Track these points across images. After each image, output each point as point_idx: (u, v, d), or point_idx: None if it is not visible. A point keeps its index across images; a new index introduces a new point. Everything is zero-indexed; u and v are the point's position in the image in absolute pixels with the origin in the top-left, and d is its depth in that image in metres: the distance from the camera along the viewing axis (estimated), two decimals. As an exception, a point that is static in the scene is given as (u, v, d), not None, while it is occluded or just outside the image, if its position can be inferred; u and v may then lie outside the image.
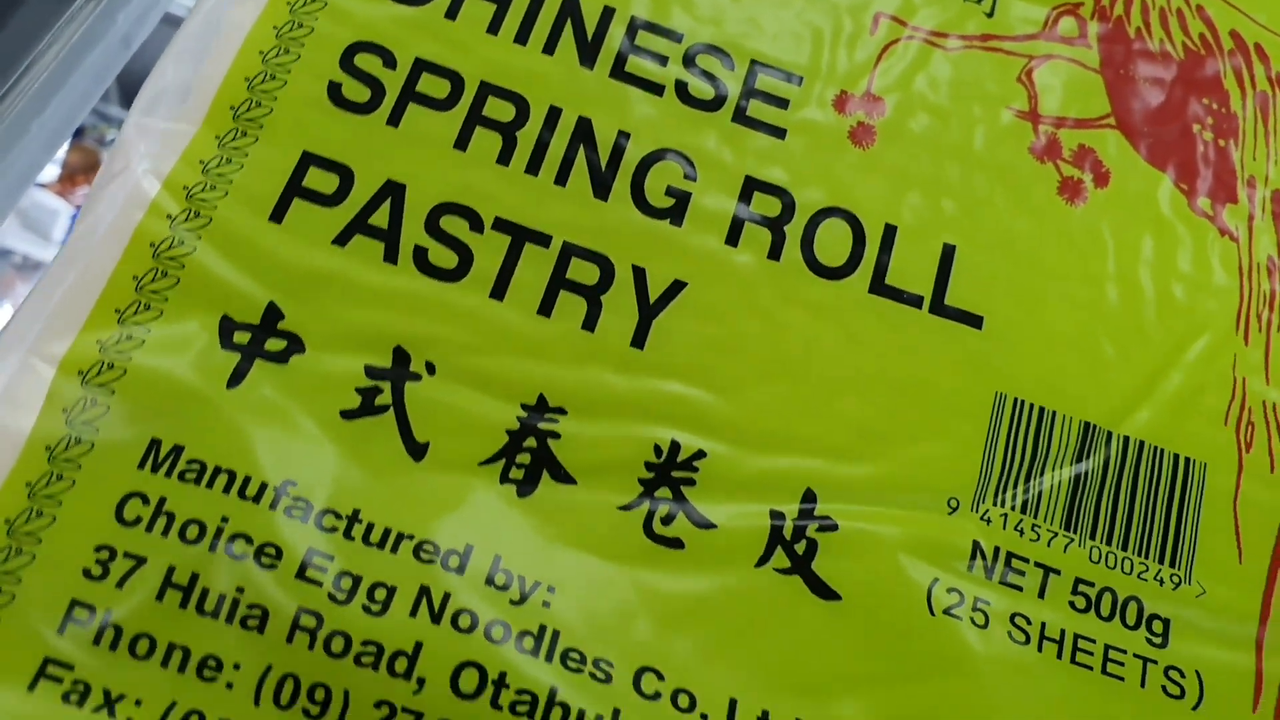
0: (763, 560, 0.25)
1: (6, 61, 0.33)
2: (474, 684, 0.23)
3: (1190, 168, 0.31)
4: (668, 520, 0.25)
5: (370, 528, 0.24)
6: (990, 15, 0.32)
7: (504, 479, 0.25)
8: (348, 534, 0.24)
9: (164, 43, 0.29)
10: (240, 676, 0.23)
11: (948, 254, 0.29)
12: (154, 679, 0.22)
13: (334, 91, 0.28)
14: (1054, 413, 0.28)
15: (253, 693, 0.22)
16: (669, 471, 0.26)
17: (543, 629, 0.24)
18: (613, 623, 0.24)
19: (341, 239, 0.27)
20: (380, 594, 0.23)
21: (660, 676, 0.24)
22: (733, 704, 0.24)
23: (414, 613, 0.23)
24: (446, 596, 0.24)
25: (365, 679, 0.23)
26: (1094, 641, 0.26)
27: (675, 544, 0.25)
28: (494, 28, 0.30)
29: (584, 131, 0.29)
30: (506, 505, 0.25)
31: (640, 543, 0.25)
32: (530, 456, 0.25)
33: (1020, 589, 0.26)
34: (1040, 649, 0.26)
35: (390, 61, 0.29)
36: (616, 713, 0.23)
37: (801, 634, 0.25)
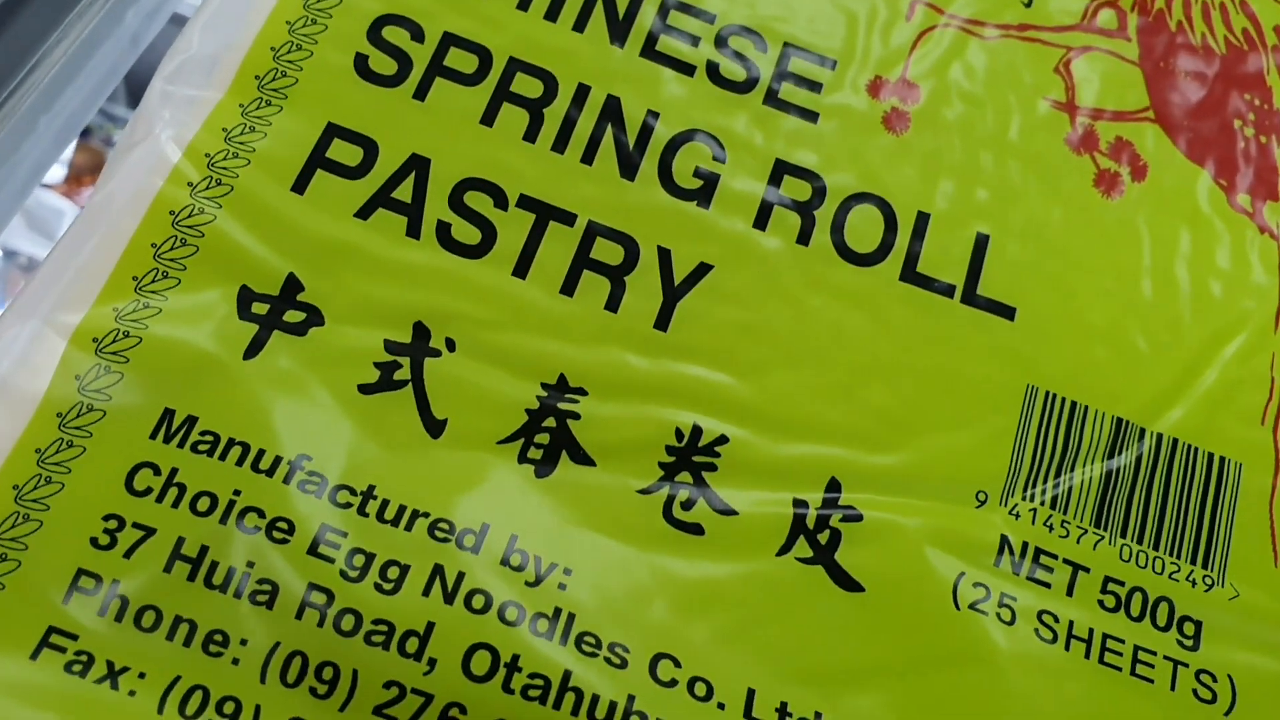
0: (784, 549, 0.25)
1: (15, 57, 0.33)
2: (486, 666, 0.22)
3: (1230, 163, 0.31)
4: (688, 505, 0.25)
5: (385, 504, 0.24)
6: (1028, 5, 0.32)
7: (522, 458, 0.25)
8: (362, 510, 0.23)
9: (172, 42, 0.29)
10: (247, 652, 0.22)
11: (980, 243, 0.28)
12: (159, 652, 0.22)
13: (360, 64, 0.28)
14: (1086, 407, 0.27)
15: (259, 669, 0.22)
16: (690, 456, 0.25)
17: (558, 611, 0.23)
18: (629, 607, 0.24)
19: (364, 212, 0.26)
20: (393, 572, 0.23)
21: (677, 664, 0.23)
22: (750, 694, 0.23)
23: (427, 592, 0.23)
24: (461, 576, 0.23)
25: (375, 658, 0.22)
26: (1123, 642, 0.25)
27: (695, 530, 0.25)
28: (524, 4, 0.29)
29: (612, 110, 0.28)
30: (524, 485, 0.24)
31: (659, 527, 0.24)
32: (549, 436, 0.25)
33: (1048, 586, 0.26)
34: (1068, 648, 0.25)
35: (418, 35, 0.28)
36: (631, 699, 0.23)
37: (823, 624, 0.24)
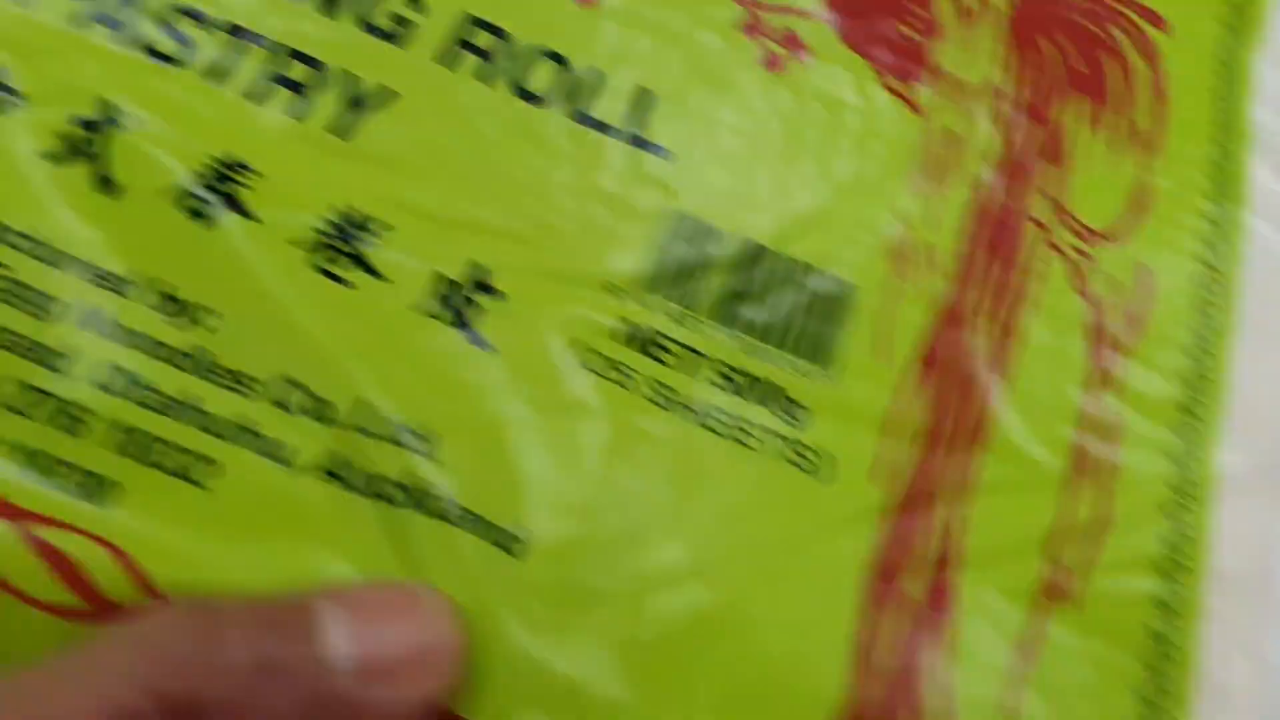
0: (423, 309, 0.28)
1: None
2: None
3: (885, 54, 0.35)
4: (341, 265, 0.28)
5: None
6: None
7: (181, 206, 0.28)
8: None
9: None
10: None
11: (646, 97, 0.32)
12: None
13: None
14: (720, 230, 0.31)
15: None
16: (346, 233, 0.28)
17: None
18: (267, 344, 0.27)
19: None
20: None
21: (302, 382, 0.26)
22: (361, 403, 0.26)
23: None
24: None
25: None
26: (729, 414, 0.28)
27: (344, 282, 0.28)
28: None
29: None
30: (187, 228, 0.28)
31: (309, 276, 0.28)
32: (217, 195, 0.28)
33: (666, 364, 0.29)
34: (674, 412, 0.28)
35: None
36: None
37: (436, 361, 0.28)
